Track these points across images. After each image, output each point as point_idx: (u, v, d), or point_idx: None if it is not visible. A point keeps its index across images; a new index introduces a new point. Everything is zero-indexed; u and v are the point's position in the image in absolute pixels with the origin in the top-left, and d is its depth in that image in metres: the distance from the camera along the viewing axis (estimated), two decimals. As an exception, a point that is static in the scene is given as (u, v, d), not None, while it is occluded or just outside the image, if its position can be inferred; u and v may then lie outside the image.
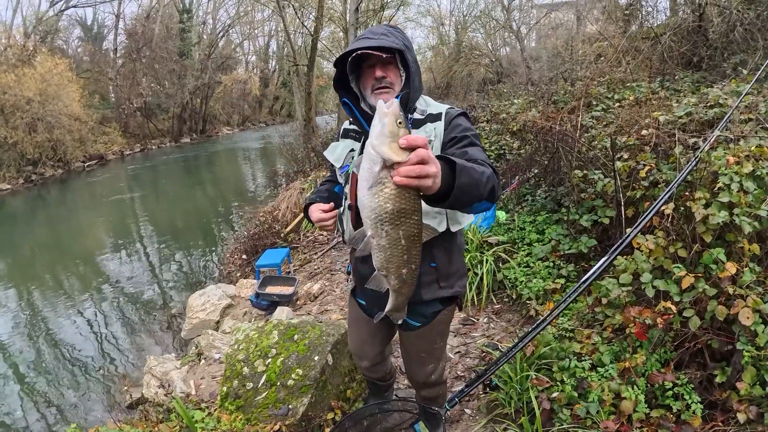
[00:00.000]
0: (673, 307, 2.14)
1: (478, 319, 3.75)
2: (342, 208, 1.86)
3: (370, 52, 1.57)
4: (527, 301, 3.49)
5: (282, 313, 4.69)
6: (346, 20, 14.19)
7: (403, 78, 1.67)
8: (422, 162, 0.98)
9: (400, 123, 1.00)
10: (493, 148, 6.38)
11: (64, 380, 4.98)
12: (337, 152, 1.86)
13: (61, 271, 8.67)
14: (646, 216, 2.38)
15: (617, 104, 4.76)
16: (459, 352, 3.36)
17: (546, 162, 4.21)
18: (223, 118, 36.75)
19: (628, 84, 5.45)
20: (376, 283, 1.25)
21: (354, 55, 1.58)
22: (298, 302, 5.09)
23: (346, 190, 1.79)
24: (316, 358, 2.65)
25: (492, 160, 6.52)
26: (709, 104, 3.34)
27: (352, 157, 1.78)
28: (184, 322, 5.51)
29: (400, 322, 1.65)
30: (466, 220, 1.83)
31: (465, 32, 19.36)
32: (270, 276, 5.35)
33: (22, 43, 22.32)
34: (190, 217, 11.64)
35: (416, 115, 1.71)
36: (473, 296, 3.87)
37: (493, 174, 1.37)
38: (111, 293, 7.22)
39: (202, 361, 4.55)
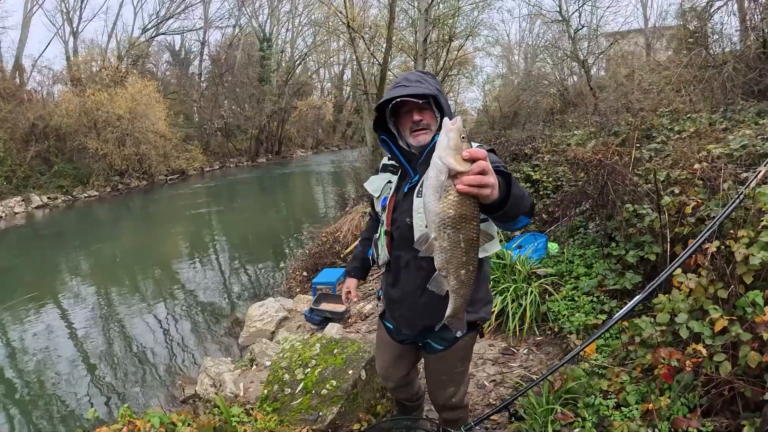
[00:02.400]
0: (704, 351, 2.10)
1: (518, 350, 3.75)
2: (378, 234, 2.04)
3: (409, 99, 1.76)
4: (568, 335, 3.45)
5: (332, 329, 4.90)
6: (415, 50, 14.60)
7: (438, 119, 1.84)
8: (482, 172, 1.13)
9: (463, 138, 1.16)
10: (550, 179, 6.32)
11: (129, 371, 5.47)
12: (375, 184, 2.06)
13: (138, 273, 9.46)
14: (684, 255, 2.36)
15: (676, 136, 4.63)
16: (494, 380, 3.38)
17: (596, 195, 4.17)
18: (297, 141, 38.58)
19: (690, 115, 5.26)
20: (437, 285, 1.38)
21: (395, 101, 1.78)
22: (350, 320, 5.28)
23: (383, 217, 1.97)
24: (350, 371, 2.82)
25: (549, 192, 6.50)
26: (766, 136, 3.20)
27: (390, 189, 1.97)
28: (243, 329, 5.87)
29: (459, 334, 1.78)
30: (492, 249, 1.96)
31: (533, 62, 19.24)
32: (325, 293, 5.59)
33: (116, 66, 24.78)
34: (262, 233, 12.29)
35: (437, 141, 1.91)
36: (515, 326, 3.88)
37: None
38: (182, 297, 7.81)
39: (254, 366, 4.84)
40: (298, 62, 37.09)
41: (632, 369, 2.46)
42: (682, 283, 2.46)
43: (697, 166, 3.40)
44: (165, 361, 5.68)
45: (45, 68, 24.54)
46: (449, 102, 1.97)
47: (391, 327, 2.16)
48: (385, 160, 2.12)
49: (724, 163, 3.03)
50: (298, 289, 7.15)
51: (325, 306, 5.34)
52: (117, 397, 4.95)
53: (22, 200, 17.35)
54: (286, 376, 3.04)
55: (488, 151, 1.90)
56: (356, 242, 7.29)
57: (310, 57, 38.66)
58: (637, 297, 2.21)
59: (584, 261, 4.13)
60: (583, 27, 16.51)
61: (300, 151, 38.00)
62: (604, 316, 3.34)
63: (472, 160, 1.13)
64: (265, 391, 3.05)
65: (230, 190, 20.92)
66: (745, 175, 2.80)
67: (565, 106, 14.64)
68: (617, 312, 3.35)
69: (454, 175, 1.14)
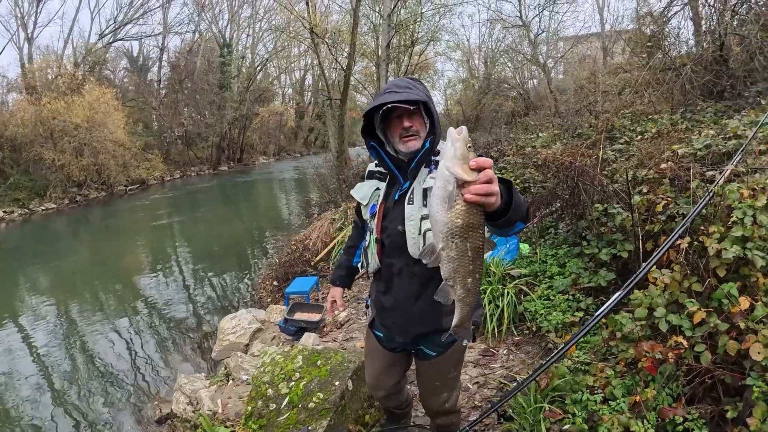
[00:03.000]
0: (685, 342, 2.18)
1: (498, 351, 3.79)
2: (368, 242, 2.02)
3: (399, 105, 1.76)
4: (546, 334, 3.52)
5: (308, 339, 4.83)
6: (378, 55, 14.67)
7: (428, 125, 1.84)
8: (489, 181, 1.15)
9: (469, 147, 1.16)
10: (517, 181, 6.46)
11: (98, 393, 5.21)
12: (362, 191, 2.03)
13: (101, 289, 9.07)
14: (660, 252, 2.44)
15: (639, 137, 4.80)
16: (477, 382, 3.41)
17: (567, 196, 4.28)
18: (259, 148, 38.05)
19: (651, 116, 5.48)
20: (443, 295, 1.37)
21: (385, 108, 1.78)
22: (325, 329, 5.22)
23: (372, 225, 1.95)
24: (336, 383, 2.77)
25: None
26: (727, 136, 3.37)
27: (378, 196, 1.96)
28: (215, 343, 5.71)
29: (466, 343, 1.78)
30: (487, 254, 1.98)
31: (493, 65, 19.70)
32: (299, 303, 5.51)
33: (72, 72, 23.87)
34: (226, 243, 12.00)
35: (441, 151, 1.91)
36: (494, 328, 3.92)
37: None
38: (147, 312, 7.52)
39: (230, 381, 4.71)
40: (258, 68, 36.61)
41: (616, 364, 2.52)
42: (657, 278, 2.55)
43: (663, 165, 3.53)
44: (135, 380, 5.44)
45: (-1, 76, 23.42)
46: None
47: (382, 335, 2.13)
48: (371, 167, 2.10)
49: (691, 162, 3.16)
50: (269, 299, 7.02)
51: (299, 316, 5.26)
52: (86, 422, 4.72)
53: (-24, 215, 16.49)
54: (270, 391, 2.96)
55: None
56: (326, 249, 7.30)
57: (271, 63, 38.28)
58: (618, 293, 2.26)
59: (557, 260, 4.23)
60: (543, 32, 17.02)
61: (262, 158, 37.50)
62: (581, 314, 3.43)
63: (479, 169, 1.15)
64: (249, 408, 2.97)
65: (192, 199, 20.42)
66: (711, 173, 2.93)
67: (527, 108, 15.02)
68: (594, 309, 3.46)
69: (461, 184, 1.14)
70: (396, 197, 1.88)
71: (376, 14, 15.82)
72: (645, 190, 3.44)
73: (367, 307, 2.24)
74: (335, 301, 2.35)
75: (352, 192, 2.10)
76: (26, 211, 18.24)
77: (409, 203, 1.80)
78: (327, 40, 14.27)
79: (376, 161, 2.01)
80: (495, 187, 1.16)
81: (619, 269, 3.62)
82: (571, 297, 3.66)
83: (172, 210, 17.75)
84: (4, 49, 29.18)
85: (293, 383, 2.92)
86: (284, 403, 2.84)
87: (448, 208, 1.16)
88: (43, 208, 18.75)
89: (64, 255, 11.87)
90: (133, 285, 9.12)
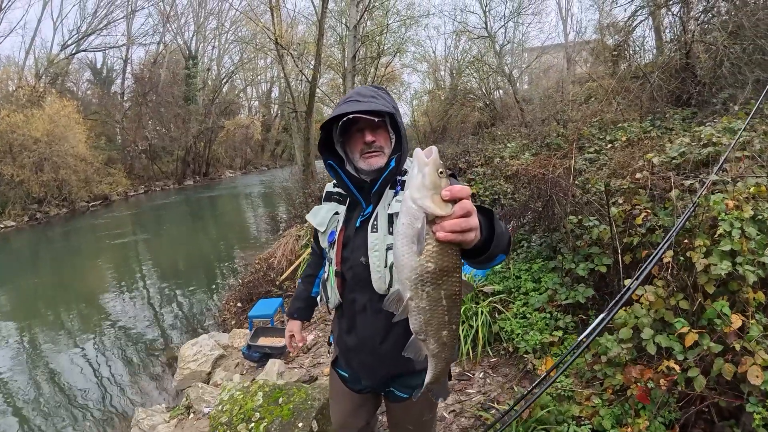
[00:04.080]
0: (677, 367, 2.01)
1: (473, 374, 3.58)
2: (326, 274, 1.77)
3: (361, 116, 1.51)
4: (524, 355, 3.33)
5: (273, 365, 4.52)
6: (344, 67, 14.51)
7: (393, 141, 1.63)
8: (467, 215, 0.92)
9: (441, 173, 0.93)
10: (487, 193, 6.32)
11: (55, 423, 4.82)
12: (320, 216, 1.76)
13: (61, 310, 8.56)
14: (645, 268, 2.28)
15: (609, 145, 4.72)
16: (454, 411, 3.18)
17: (540, 209, 4.13)
18: (226, 162, 37.29)
19: (620, 124, 5.44)
20: (414, 351, 1.14)
21: (345, 119, 1.52)
22: (291, 354, 4.92)
23: (332, 255, 1.70)
24: (300, 424, 2.50)
25: (486, 206, 6.49)
26: (702, 143, 3.28)
27: (338, 222, 1.70)
28: (176, 372, 5.33)
29: (440, 401, 1.53)
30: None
31: (459, 77, 19.85)
32: (263, 327, 5.21)
33: (33, 84, 22.91)
34: (192, 261, 11.56)
35: (407, 178, 1.68)
36: (468, 350, 3.71)
37: None
38: (109, 335, 7.06)
39: (191, 415, 4.38)
40: (224, 80, 35.98)
41: (602, 390, 2.34)
42: (641, 296, 2.38)
43: (639, 175, 3.42)
44: (93, 410, 5.03)
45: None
46: None
47: (347, 375, 1.88)
48: (329, 187, 1.83)
49: (670, 172, 3.04)
50: (233, 322, 6.67)
51: (263, 341, 4.98)
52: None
53: (-71, 233, 15.42)
54: (227, 432, 2.67)
55: (450, 176, 1.71)
56: (291, 267, 6.98)
57: (237, 75, 37.70)
58: (602, 316, 2.08)
59: (531, 275, 4.06)
60: (508, 43, 17.19)
61: (228, 172, 36.71)
62: (559, 333, 3.25)
63: (454, 201, 0.92)
64: (203, 453, 2.66)
65: (156, 215, 19.68)
66: (690, 182, 2.81)
67: (494, 119, 15.09)
68: (572, 327, 3.29)
69: (432, 220, 0.91)
70: (358, 224, 1.63)
71: (342, 26, 15.68)
72: (620, 201, 3.31)
73: (329, 344, 1.98)
74: (293, 335, 2.09)
75: (308, 217, 1.82)
76: (-17, 229, 17.21)
77: (372, 231, 1.56)
78: (292, 52, 14.00)
79: (335, 181, 1.75)
80: (474, 221, 0.93)
81: (596, 282, 3.47)
82: (548, 315, 3.49)
83: (135, 227, 17.08)
84: None
85: (253, 425, 2.64)
86: (242, 447, 2.55)
87: (417, 251, 0.92)
88: (2, 225, 17.76)
89: (23, 275, 11.25)
90: (94, 306, 8.61)
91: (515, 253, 4.75)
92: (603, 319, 2.11)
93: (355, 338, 1.69)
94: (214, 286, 9.21)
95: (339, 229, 1.67)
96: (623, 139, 4.92)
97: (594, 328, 1.96)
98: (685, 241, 2.42)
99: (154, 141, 28.87)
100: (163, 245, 13.96)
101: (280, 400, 2.73)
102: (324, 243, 1.74)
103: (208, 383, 4.98)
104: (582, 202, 3.80)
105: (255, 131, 38.03)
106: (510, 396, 3.16)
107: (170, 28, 32.81)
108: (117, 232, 15.83)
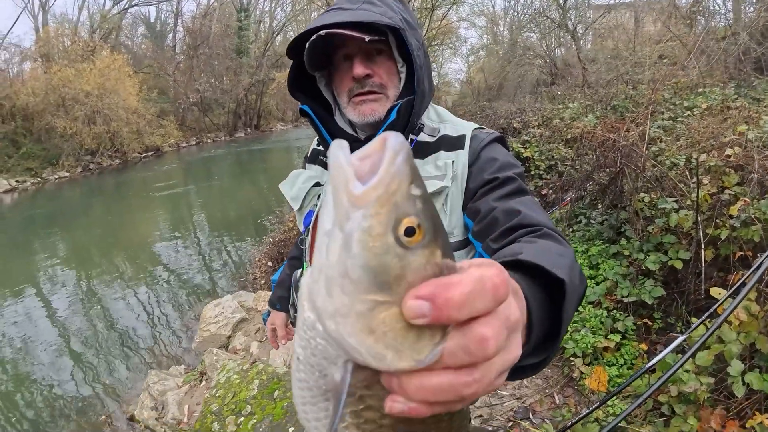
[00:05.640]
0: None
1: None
2: (300, 273, 1.32)
3: (343, 32, 0.91)
4: (571, 359, 2.81)
5: (279, 351, 4.24)
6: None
7: (403, 77, 1.04)
8: (473, 360, 0.32)
9: (408, 230, 0.32)
10: (543, 158, 5.64)
11: (62, 382, 4.82)
12: (296, 186, 1.19)
13: (99, 262, 8.68)
14: (744, 282, 1.69)
15: (687, 112, 3.97)
16: (481, 416, 2.73)
17: (606, 181, 3.48)
18: (277, 114, 37.32)
19: (699, 90, 4.62)
20: None
21: (314, 37, 0.93)
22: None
23: (306, 245, 1.21)
24: (291, 429, 2.13)
25: (541, 171, 5.82)
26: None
27: (318, 196, 1.16)
28: (197, 333, 5.19)
29: None
30: None
31: (519, 32, 18.38)
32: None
33: (87, 40, 23.40)
34: (237, 214, 11.49)
35: (423, 137, 1.06)
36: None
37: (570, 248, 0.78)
38: (148, 287, 7.06)
39: (203, 382, 4.20)
40: (276, 32, 35.46)
41: (669, 433, 1.80)
42: (728, 311, 1.80)
43: (729, 151, 2.72)
44: (116, 365, 5.03)
45: (12, 45, 23.08)
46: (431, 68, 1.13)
47: None
48: (315, 144, 1.29)
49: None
50: (263, 281, 6.47)
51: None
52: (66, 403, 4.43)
53: (-11, 185, 16.27)
54: (216, 425, 2.35)
55: (494, 141, 1.04)
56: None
57: (290, 27, 37.04)
58: (679, 339, 1.54)
59: (588, 260, 3.45)
60: (573, -3, 15.67)
61: (280, 125, 36.70)
62: (616, 337, 2.69)
63: (444, 317, 0.31)
64: (189, 445, 2.37)
65: (206, 167, 19.90)
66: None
67: (553, 78, 13.88)
68: (632, 333, 2.72)
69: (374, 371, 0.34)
70: None
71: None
72: (705, 182, 2.65)
73: None
74: (275, 329, 1.63)
75: (281, 186, 1.24)
76: (39, 180, 17.90)
77: None
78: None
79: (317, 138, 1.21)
80: (492, 370, 0.33)
81: (665, 277, 2.85)
82: (604, 312, 2.92)
83: (184, 179, 17.29)
84: (18, 18, 28.83)
85: (242, 420, 2.31)
86: (228, 447, 2.23)
87: (329, 427, 0.36)
88: (56, 176, 18.40)
89: (77, 223, 11.60)
90: (135, 256, 8.67)
91: (571, 230, 4.14)
92: (682, 346, 1.57)
93: None
94: (254, 241, 9.05)
95: (318, 209, 1.13)
96: (703, 106, 4.13)
97: (675, 368, 1.43)
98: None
99: (206, 93, 29.07)
100: (209, 198, 14.01)
101: (276, 393, 2.38)
102: (300, 225, 1.21)
103: (227, 348, 4.80)
104: (655, 176, 3.13)
105: (306, 84, 37.61)
106: (549, 405, 2.68)
107: (222, -19, 32.44)
108: (165, 183, 16.06)
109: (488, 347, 0.31)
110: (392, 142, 0.33)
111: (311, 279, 0.35)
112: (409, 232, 0.32)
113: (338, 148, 0.34)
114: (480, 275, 0.32)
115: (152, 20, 32.54)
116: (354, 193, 0.32)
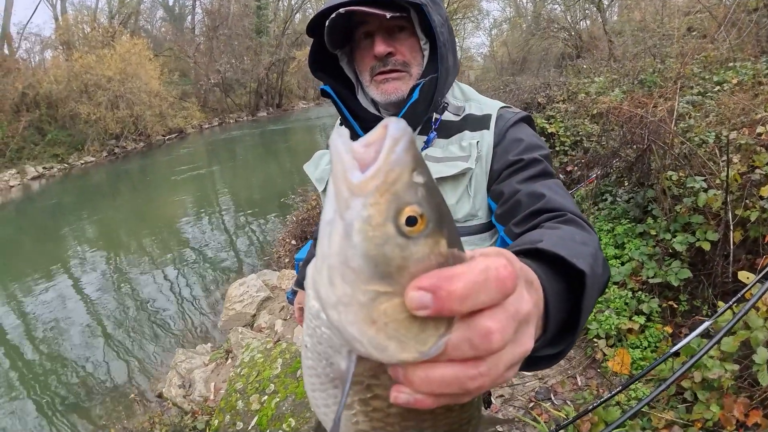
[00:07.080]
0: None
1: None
2: None
3: (363, 9, 0.90)
4: (595, 339, 2.78)
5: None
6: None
7: (426, 54, 1.01)
8: (478, 353, 0.32)
9: (410, 219, 0.32)
10: (568, 134, 5.50)
11: (96, 359, 5.03)
12: (321, 167, 1.19)
13: (127, 243, 8.98)
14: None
15: (717, 87, 3.81)
16: (502, 395, 2.75)
17: (633, 158, 3.38)
18: (299, 93, 37.20)
19: (730, 64, 4.41)
20: None
21: (334, 15, 0.91)
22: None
23: None
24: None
25: (567, 148, 5.68)
26: None
27: None
28: (222, 312, 5.32)
29: None
30: None
31: (543, 4, 17.75)
32: (309, 272, 4.97)
33: (107, 26, 23.63)
34: (263, 193, 11.61)
35: (448, 116, 1.05)
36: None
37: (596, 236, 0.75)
38: (170, 267, 7.26)
39: (229, 360, 4.32)
40: (295, 10, 35.13)
41: (688, 421, 1.78)
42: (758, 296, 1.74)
43: (760, 128, 2.61)
44: (140, 346, 5.21)
45: (33, 35, 23.50)
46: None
47: None
48: (338, 124, 1.20)
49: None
50: (287, 260, 6.54)
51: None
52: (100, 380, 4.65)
53: (17, 173, 16.78)
54: (240, 403, 2.43)
55: (520, 121, 1.02)
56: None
57: (308, 4, 36.63)
58: (705, 323, 1.51)
59: (614, 239, 3.38)
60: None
61: (302, 103, 36.57)
62: (641, 319, 2.65)
63: (448, 310, 0.31)
64: (216, 422, 2.45)
65: (228, 148, 20.08)
66: None
67: (579, 51, 13.42)
68: (657, 315, 2.68)
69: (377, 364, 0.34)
70: None
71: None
72: (735, 160, 2.55)
73: None
74: (302, 308, 1.61)
75: (306, 167, 1.23)
76: (65, 165, 18.39)
77: None
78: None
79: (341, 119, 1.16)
80: (499, 364, 0.33)
81: (692, 258, 2.78)
82: (629, 293, 2.87)
83: (210, 158, 17.56)
84: (37, 8, 29.26)
85: (266, 398, 2.37)
86: (252, 424, 2.30)
87: (336, 416, 0.35)
88: (82, 161, 18.87)
89: (103, 206, 11.91)
90: (164, 238, 8.91)
91: (596, 208, 4.06)
92: (708, 330, 1.54)
93: None
94: (278, 221, 9.15)
95: None
96: (734, 81, 3.94)
97: (701, 354, 1.40)
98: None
99: (227, 74, 29.12)
100: (233, 179, 14.18)
101: (299, 372, 2.43)
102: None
103: (252, 326, 4.91)
104: (683, 154, 3.03)
105: (327, 62, 37.36)
106: (571, 386, 2.67)
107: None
108: (189, 165, 16.32)
109: (493, 341, 0.31)
110: (393, 129, 0.33)
111: (315, 268, 0.35)
112: (411, 221, 0.32)
113: (337, 135, 0.34)
114: (485, 266, 0.31)
115: (171, 3, 32.55)
116: (352, 181, 0.32)
